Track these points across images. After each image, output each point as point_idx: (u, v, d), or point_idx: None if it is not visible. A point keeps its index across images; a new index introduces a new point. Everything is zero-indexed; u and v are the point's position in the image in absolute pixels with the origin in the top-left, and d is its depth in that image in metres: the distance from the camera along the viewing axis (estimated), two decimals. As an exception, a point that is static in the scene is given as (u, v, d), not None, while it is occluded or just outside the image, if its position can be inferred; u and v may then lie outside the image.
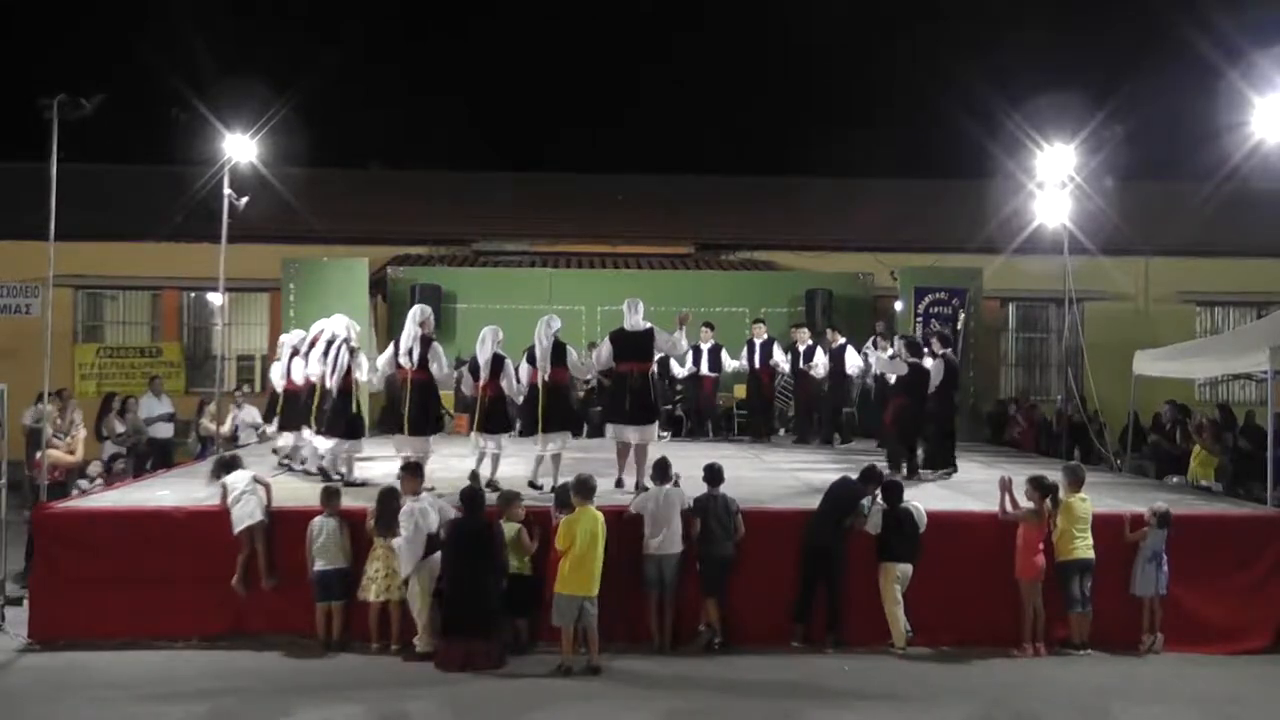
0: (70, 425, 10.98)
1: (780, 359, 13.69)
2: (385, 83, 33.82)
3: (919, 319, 15.58)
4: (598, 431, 11.61)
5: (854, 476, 8.29)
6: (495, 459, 9.13)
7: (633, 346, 9.09)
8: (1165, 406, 13.77)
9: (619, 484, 9.05)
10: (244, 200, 12.54)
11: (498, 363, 9.09)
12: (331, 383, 9.18)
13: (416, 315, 9.10)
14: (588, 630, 7.33)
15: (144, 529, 8.05)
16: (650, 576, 7.76)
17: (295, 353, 10.09)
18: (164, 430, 13.07)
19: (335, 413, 9.18)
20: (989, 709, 6.87)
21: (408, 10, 40.88)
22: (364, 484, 9.00)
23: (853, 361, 13.46)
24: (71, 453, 10.73)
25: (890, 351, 12.11)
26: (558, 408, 9.04)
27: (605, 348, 9.24)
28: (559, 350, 9.03)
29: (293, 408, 9.98)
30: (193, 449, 12.88)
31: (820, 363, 13.41)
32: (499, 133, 32.71)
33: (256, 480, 8.17)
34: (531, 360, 9.08)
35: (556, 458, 9.01)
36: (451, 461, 9.71)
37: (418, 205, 20.27)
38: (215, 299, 15.96)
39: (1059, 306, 15.87)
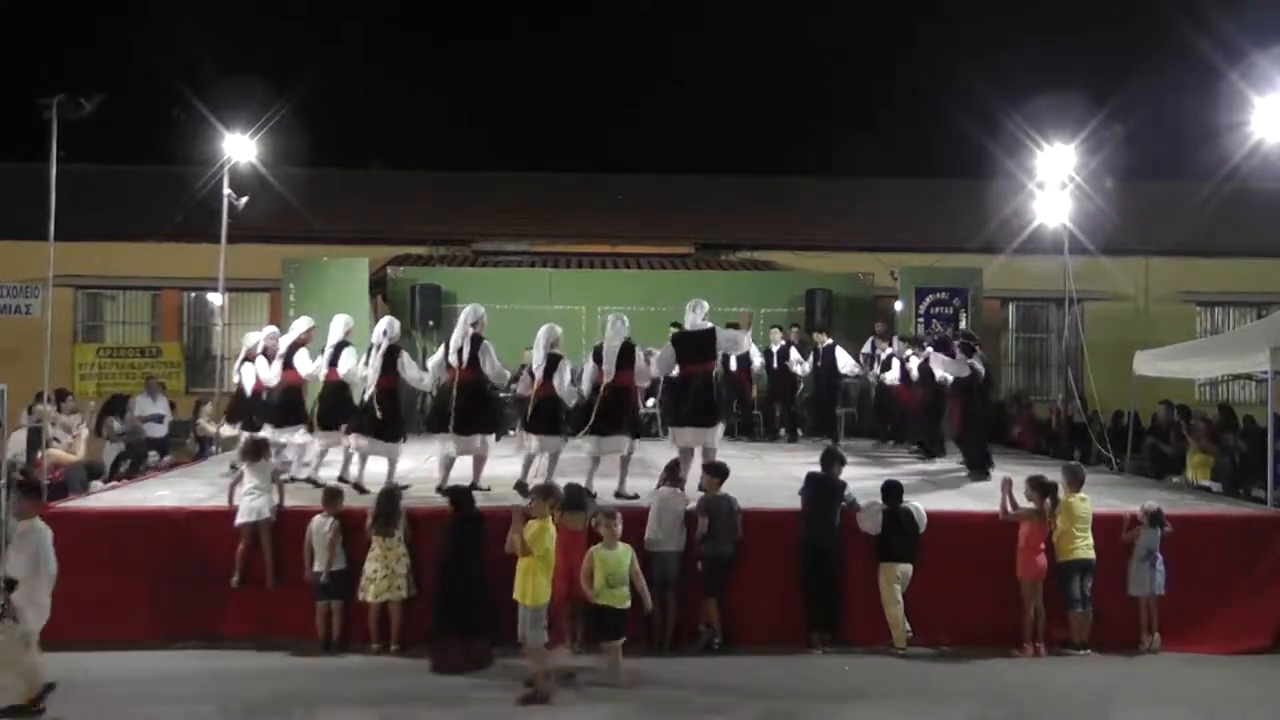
0: (74, 423, 10.98)
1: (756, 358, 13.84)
2: (385, 83, 33.88)
3: (919, 319, 15.59)
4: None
5: (817, 469, 8.29)
6: (551, 459, 8.86)
7: (695, 347, 8.96)
8: (1160, 407, 13.77)
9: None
10: (244, 200, 12.55)
11: (552, 363, 8.90)
12: (371, 384, 9.00)
13: (469, 315, 8.92)
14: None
15: (144, 529, 8.05)
16: (654, 575, 7.77)
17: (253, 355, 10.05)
18: (155, 430, 13.07)
19: (390, 416, 8.98)
20: (989, 709, 6.87)
21: (408, 10, 40.91)
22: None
23: (794, 359, 13.76)
24: (72, 452, 10.72)
25: (891, 351, 12.23)
26: (616, 412, 8.76)
27: (668, 350, 9.09)
28: (627, 352, 8.78)
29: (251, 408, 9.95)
30: (191, 449, 12.85)
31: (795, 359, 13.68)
32: (499, 133, 32.76)
33: (274, 479, 8.16)
34: (598, 359, 8.88)
35: (625, 460, 8.78)
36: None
37: (418, 205, 20.28)
38: (215, 299, 15.94)
39: (1059, 306, 15.88)
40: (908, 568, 7.92)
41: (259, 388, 9.89)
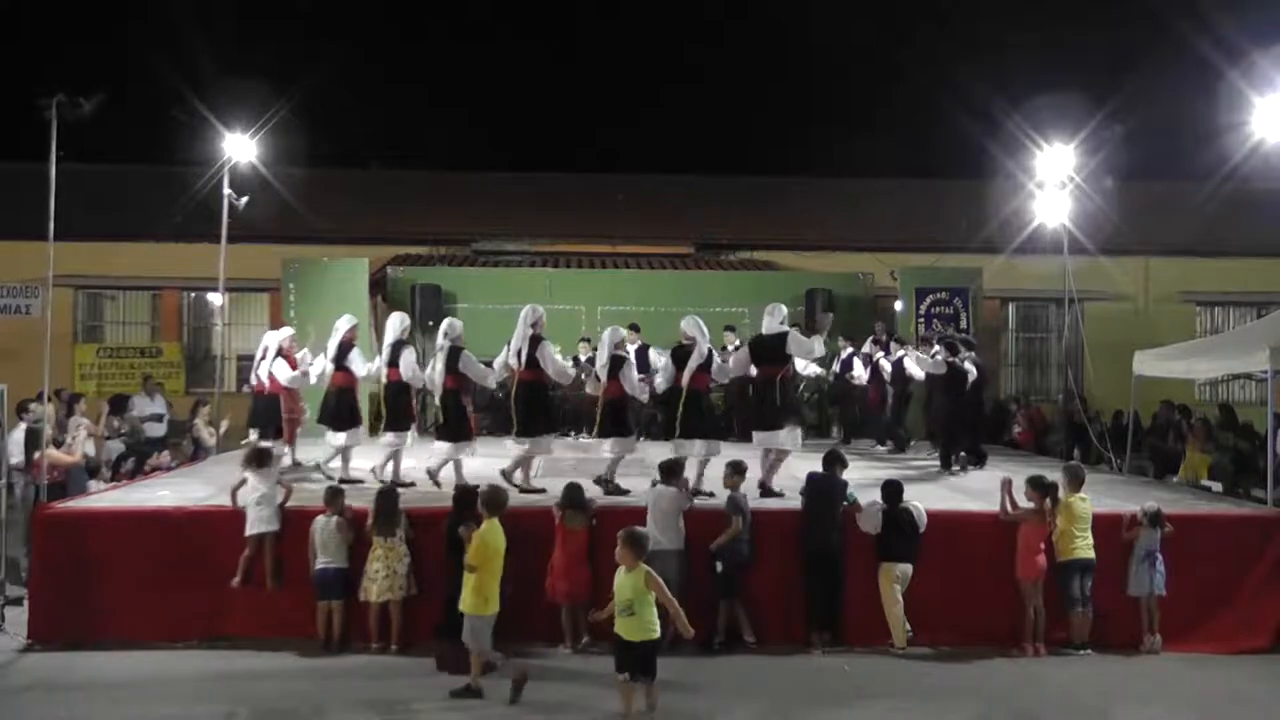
0: (73, 424, 10.98)
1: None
2: (385, 83, 33.87)
3: (920, 319, 15.58)
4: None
5: (819, 469, 8.30)
6: (615, 460, 8.94)
7: (766, 351, 9.01)
8: (1161, 407, 13.78)
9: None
10: (244, 200, 12.54)
11: (616, 364, 8.99)
12: (437, 386, 9.07)
13: (528, 316, 8.97)
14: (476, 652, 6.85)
15: (144, 529, 8.05)
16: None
17: (277, 352, 10.06)
18: (154, 430, 13.06)
19: (451, 416, 9.05)
20: (989, 709, 6.87)
21: (408, 11, 40.92)
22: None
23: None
24: (70, 453, 10.72)
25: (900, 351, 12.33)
26: (694, 413, 8.84)
27: (744, 353, 9.24)
28: (709, 356, 8.91)
29: (269, 410, 9.94)
30: (186, 450, 12.82)
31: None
32: (499, 133, 32.76)
33: (279, 483, 8.15)
34: (678, 362, 8.93)
35: (702, 464, 8.77)
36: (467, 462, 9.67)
37: (418, 205, 20.29)
38: (215, 299, 15.95)
39: (1059, 306, 15.88)
40: (908, 568, 7.92)
41: (276, 389, 9.86)
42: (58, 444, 10.22)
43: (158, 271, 18.07)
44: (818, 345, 9.41)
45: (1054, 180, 13.13)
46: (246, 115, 12.71)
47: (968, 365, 10.87)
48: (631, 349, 13.68)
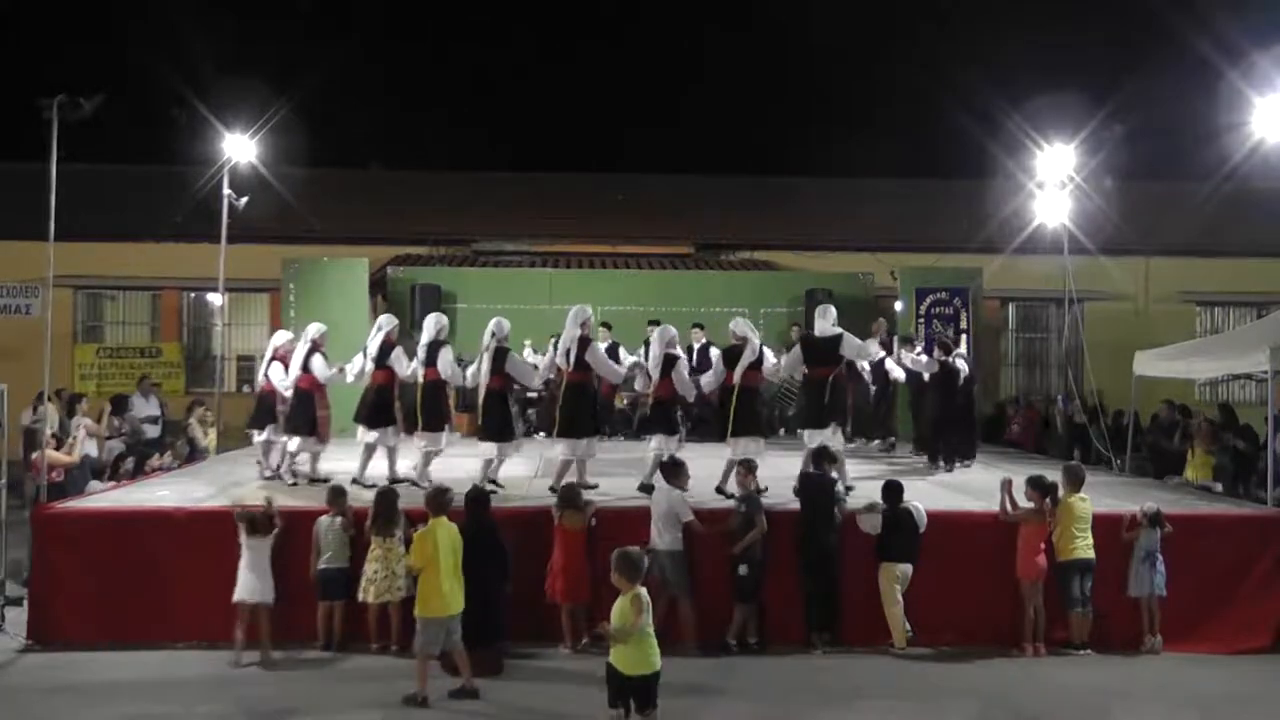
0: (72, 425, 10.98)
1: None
2: (385, 82, 33.90)
3: (920, 319, 15.57)
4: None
5: (812, 469, 8.29)
6: (656, 460, 8.89)
7: (818, 352, 9.05)
8: (1162, 406, 13.78)
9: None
10: (244, 200, 12.55)
11: (669, 362, 9.01)
12: (483, 385, 9.04)
13: (578, 316, 8.94)
14: (455, 651, 6.80)
15: (144, 529, 8.04)
16: (655, 575, 7.71)
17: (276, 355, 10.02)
18: (150, 430, 13.07)
19: (496, 416, 9.02)
20: (989, 709, 6.87)
21: (408, 10, 40.93)
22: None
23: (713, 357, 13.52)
24: (69, 454, 10.72)
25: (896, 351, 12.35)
26: (746, 411, 8.84)
27: (796, 353, 9.28)
28: (760, 355, 8.93)
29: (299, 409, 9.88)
30: (182, 451, 12.82)
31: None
32: (499, 133, 32.77)
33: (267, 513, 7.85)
34: (729, 362, 8.93)
35: (744, 463, 8.66)
36: (454, 461, 9.68)
37: (418, 205, 20.29)
38: (215, 299, 15.95)
39: (1059, 306, 15.88)
40: (908, 568, 7.91)
41: (309, 386, 9.77)
42: (58, 444, 10.20)
43: (158, 271, 18.07)
44: (873, 348, 9.45)
45: (1054, 180, 13.15)
46: (246, 115, 12.76)
47: (960, 364, 10.86)
48: (696, 346, 13.73)
